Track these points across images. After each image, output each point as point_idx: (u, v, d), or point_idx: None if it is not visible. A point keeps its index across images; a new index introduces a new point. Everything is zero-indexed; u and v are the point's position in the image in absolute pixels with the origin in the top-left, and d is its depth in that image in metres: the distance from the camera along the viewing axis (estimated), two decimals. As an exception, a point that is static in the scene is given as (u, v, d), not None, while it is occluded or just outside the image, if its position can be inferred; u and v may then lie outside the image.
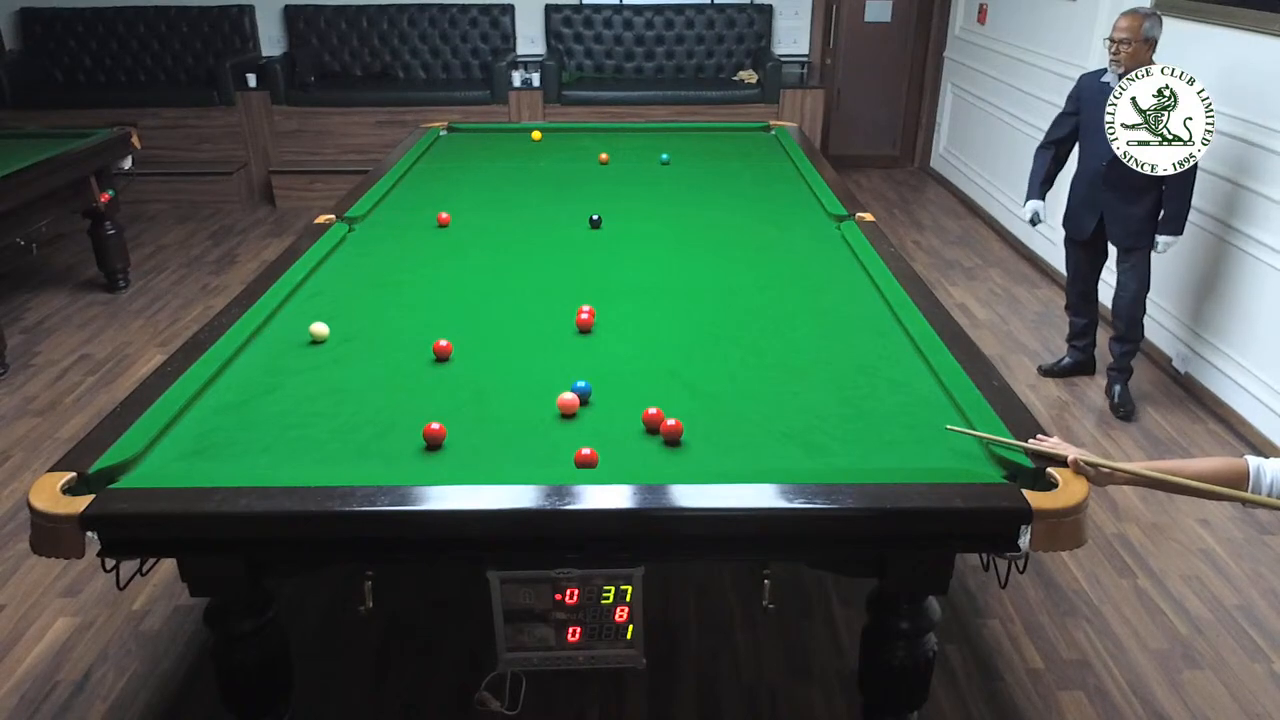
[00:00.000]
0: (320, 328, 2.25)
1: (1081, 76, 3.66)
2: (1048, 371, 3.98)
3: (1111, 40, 3.33)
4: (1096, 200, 3.54)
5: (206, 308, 4.69)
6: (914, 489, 1.59)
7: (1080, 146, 3.65)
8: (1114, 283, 3.65)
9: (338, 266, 2.74)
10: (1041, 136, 3.78)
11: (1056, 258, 5.11)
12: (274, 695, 1.94)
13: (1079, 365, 3.98)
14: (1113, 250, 3.66)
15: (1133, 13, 3.34)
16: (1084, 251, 3.74)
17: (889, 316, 2.35)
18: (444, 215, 3.10)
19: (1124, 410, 3.66)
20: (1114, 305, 3.65)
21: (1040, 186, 3.77)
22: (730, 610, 2.65)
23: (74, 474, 1.62)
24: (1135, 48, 3.29)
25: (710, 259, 2.80)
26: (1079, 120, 3.61)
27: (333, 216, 3.09)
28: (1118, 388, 3.71)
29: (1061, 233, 3.87)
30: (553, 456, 1.75)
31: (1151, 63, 3.25)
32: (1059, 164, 3.78)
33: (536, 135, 4.31)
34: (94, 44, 6.63)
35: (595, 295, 2.46)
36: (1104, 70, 3.47)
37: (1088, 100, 3.52)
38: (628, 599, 1.70)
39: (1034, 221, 3.81)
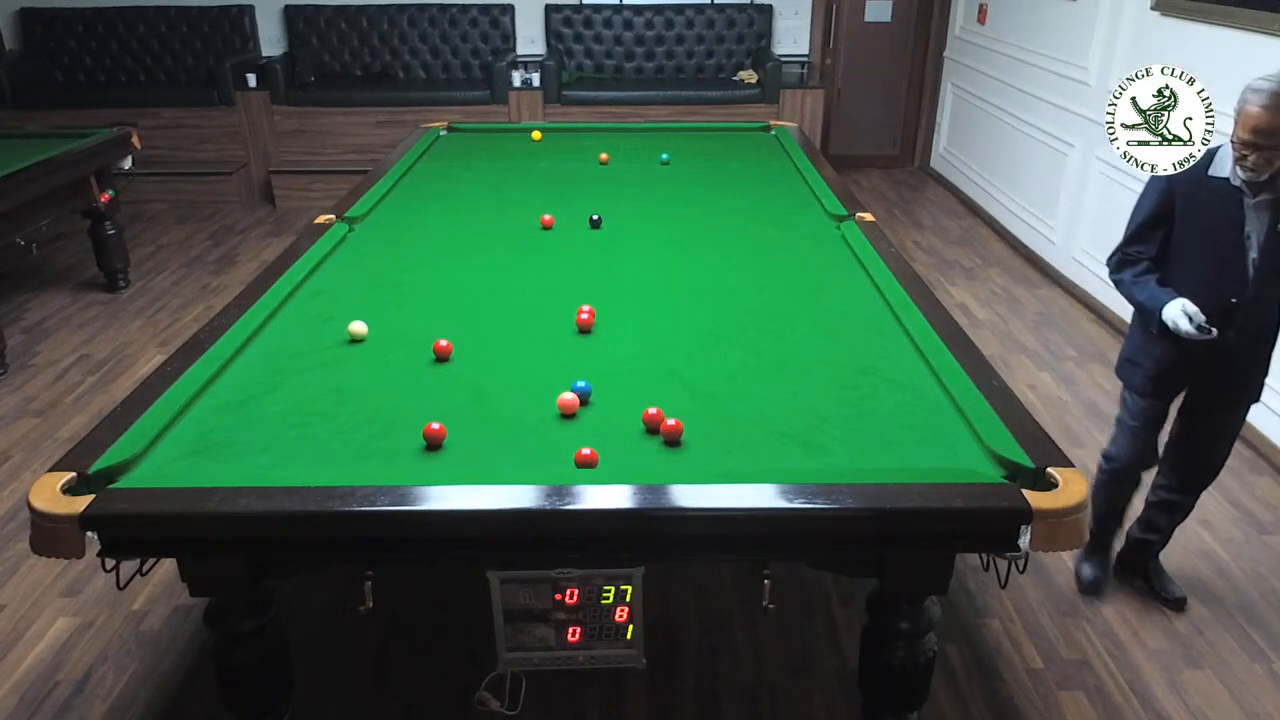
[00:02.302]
0: (359, 326, 2.25)
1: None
2: (1093, 591, 2.76)
3: (1249, 144, 2.10)
4: (1214, 348, 2.32)
5: (206, 308, 4.69)
6: (914, 489, 1.58)
7: (1181, 271, 2.36)
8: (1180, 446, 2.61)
9: (338, 266, 2.74)
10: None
11: (1057, 258, 5.12)
12: (274, 695, 1.94)
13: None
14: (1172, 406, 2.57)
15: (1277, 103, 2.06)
16: (1158, 419, 2.55)
17: (889, 316, 2.35)
18: (547, 217, 3.07)
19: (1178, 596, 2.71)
20: (1194, 473, 2.60)
21: (1165, 289, 2.33)
22: (730, 610, 2.65)
23: (74, 474, 1.62)
24: None
25: (710, 259, 2.80)
26: (1175, 235, 2.35)
27: (333, 216, 3.09)
28: (1153, 563, 2.77)
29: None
30: (553, 456, 1.75)
31: None
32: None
33: (536, 135, 4.31)
34: (94, 44, 6.63)
35: (595, 295, 2.46)
36: (1211, 157, 2.24)
37: (1197, 206, 2.27)
38: (628, 599, 1.70)
39: (1203, 330, 2.25)
